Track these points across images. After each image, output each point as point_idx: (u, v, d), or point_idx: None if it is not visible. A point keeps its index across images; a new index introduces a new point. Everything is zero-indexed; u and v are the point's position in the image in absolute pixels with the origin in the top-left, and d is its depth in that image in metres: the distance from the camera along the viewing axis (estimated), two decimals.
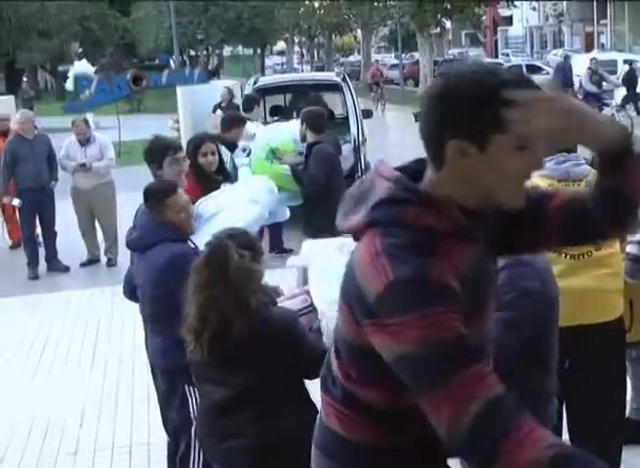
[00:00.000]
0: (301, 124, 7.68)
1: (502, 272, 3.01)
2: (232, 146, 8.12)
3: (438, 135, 1.95)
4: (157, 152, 5.00)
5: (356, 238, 2.09)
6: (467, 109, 1.91)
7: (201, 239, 4.04)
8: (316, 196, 6.82)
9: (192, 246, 4.36)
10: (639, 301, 4.46)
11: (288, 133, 8.23)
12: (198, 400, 4.04)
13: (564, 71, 26.44)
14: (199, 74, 16.83)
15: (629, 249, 4.42)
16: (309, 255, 3.90)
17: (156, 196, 4.36)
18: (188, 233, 4.42)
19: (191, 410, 4.25)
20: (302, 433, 3.02)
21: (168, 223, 4.34)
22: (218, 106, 15.25)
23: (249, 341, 3.31)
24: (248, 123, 9.38)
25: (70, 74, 20.35)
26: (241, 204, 5.19)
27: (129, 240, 4.55)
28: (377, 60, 45.64)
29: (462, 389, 1.79)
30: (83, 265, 10.89)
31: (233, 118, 8.88)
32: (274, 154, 7.62)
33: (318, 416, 2.40)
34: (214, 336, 3.34)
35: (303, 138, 7.72)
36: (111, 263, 10.79)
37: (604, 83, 22.63)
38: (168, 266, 4.20)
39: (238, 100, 13.85)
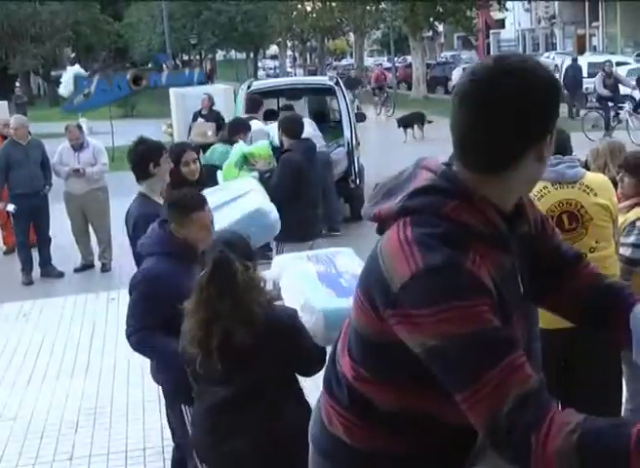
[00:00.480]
0: (278, 129, 7.70)
1: None
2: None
3: (514, 139, 1.87)
4: (155, 150, 5.18)
5: (381, 229, 2.01)
6: (550, 112, 1.90)
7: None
8: (283, 201, 6.84)
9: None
10: None
11: (264, 136, 8.32)
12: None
13: (574, 73, 26.18)
14: (199, 74, 16.84)
15: (622, 251, 4.43)
16: (280, 270, 3.88)
17: (184, 208, 4.10)
18: (198, 252, 4.14)
19: (188, 428, 4.24)
20: (302, 432, 3.07)
21: (180, 239, 4.10)
22: (198, 114, 15.25)
23: (253, 341, 3.30)
24: (256, 122, 9.54)
25: (63, 79, 20.32)
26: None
27: (139, 244, 4.42)
28: (379, 64, 44.69)
29: (498, 384, 1.73)
30: (77, 271, 10.86)
31: (238, 124, 8.96)
32: (246, 160, 7.59)
33: (315, 413, 2.35)
34: (220, 345, 3.32)
35: (281, 144, 7.78)
36: (105, 268, 10.78)
37: (620, 85, 21.95)
38: (146, 280, 4.11)
39: (229, 106, 13.83)
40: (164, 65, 38.49)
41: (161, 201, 5.03)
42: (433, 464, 2.13)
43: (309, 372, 3.54)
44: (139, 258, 4.49)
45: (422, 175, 1.98)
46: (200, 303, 3.34)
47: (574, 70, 26.55)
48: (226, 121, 13.41)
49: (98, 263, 10.94)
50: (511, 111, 1.84)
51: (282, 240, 6.90)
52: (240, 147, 7.75)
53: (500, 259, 1.95)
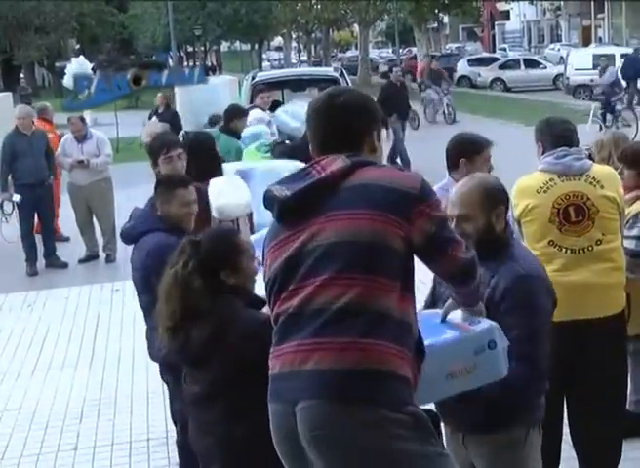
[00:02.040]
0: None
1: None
2: (237, 136, 8.44)
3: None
4: (154, 151, 5.23)
5: (335, 184, 2.68)
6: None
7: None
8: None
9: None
10: (636, 295, 4.45)
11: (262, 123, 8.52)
12: None
13: (634, 64, 25.53)
14: (199, 74, 16.77)
15: (626, 244, 4.42)
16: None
17: (167, 184, 4.46)
18: (186, 228, 4.38)
19: None
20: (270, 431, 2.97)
21: (166, 216, 4.39)
22: (154, 112, 15.19)
23: (214, 342, 3.29)
24: (257, 111, 9.68)
25: (68, 70, 20.27)
26: None
27: (122, 230, 4.62)
28: (431, 55, 37.73)
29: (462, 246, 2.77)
30: (82, 262, 10.87)
31: (231, 111, 8.95)
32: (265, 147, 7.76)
33: (298, 371, 2.57)
34: (182, 334, 3.34)
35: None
36: (110, 259, 10.77)
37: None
38: (153, 254, 4.20)
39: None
40: (168, 57, 38.37)
41: None
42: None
43: None
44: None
45: (330, 157, 2.73)
46: (169, 286, 3.43)
47: (635, 61, 25.82)
48: (182, 121, 13.45)
49: (102, 254, 10.94)
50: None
51: None
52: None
53: None
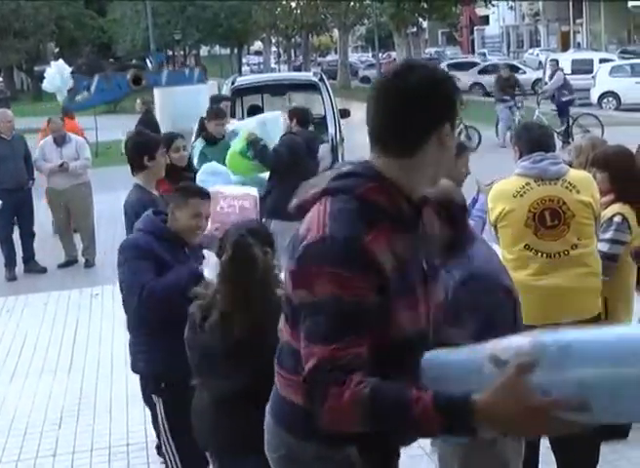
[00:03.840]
0: (290, 119, 8.22)
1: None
2: (212, 141, 8.28)
3: (421, 125, 2.18)
4: (151, 143, 5.23)
5: (303, 212, 2.26)
6: (452, 102, 2.22)
7: None
8: (277, 170, 7.57)
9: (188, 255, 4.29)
10: (613, 299, 4.50)
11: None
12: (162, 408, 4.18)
13: None
14: (199, 74, 16.76)
15: (600, 247, 4.47)
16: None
17: (185, 192, 4.32)
18: (188, 241, 4.28)
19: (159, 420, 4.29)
20: None
21: (173, 224, 4.24)
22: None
23: (252, 335, 3.27)
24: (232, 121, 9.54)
25: (47, 74, 20.20)
26: None
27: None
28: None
29: (334, 352, 2.05)
30: (61, 266, 10.84)
31: (209, 111, 8.83)
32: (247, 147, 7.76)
33: (274, 389, 2.48)
34: (227, 324, 3.32)
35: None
36: (89, 264, 10.76)
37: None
38: (121, 249, 4.27)
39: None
40: (147, 60, 38.27)
41: (156, 192, 5.17)
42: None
43: None
44: None
45: (344, 167, 2.32)
46: (224, 283, 3.38)
47: None
48: (160, 125, 13.42)
49: (81, 259, 10.91)
50: (413, 102, 2.16)
51: (270, 216, 7.35)
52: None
53: (405, 239, 2.21)
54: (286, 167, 7.52)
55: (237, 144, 7.78)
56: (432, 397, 1.97)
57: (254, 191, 6.54)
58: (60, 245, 11.02)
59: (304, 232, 2.17)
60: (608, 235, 4.57)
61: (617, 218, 4.61)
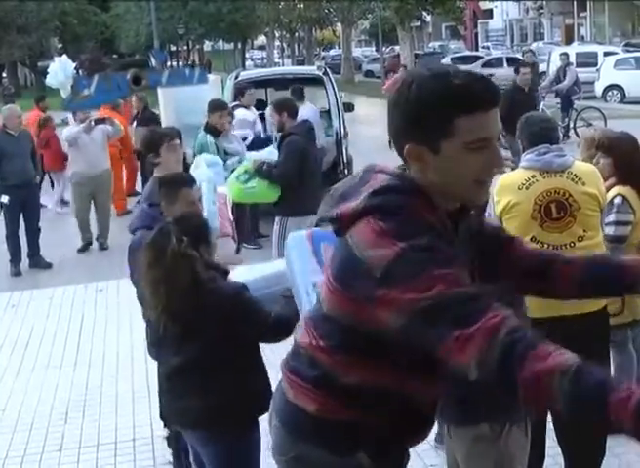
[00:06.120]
0: (278, 112, 7.66)
1: None
2: (215, 132, 8.79)
3: (438, 116, 2.08)
4: (155, 140, 5.24)
5: (340, 230, 2.16)
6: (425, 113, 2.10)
7: None
8: (288, 182, 7.29)
9: None
10: None
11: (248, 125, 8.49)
12: None
13: None
14: (199, 74, 16.69)
15: (606, 231, 4.50)
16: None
17: (172, 185, 4.41)
18: None
19: None
20: (249, 401, 3.49)
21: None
22: (134, 118, 15.15)
23: (195, 314, 3.46)
24: (241, 110, 10.08)
25: (50, 70, 20.17)
26: None
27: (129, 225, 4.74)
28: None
29: (484, 325, 1.90)
30: (80, 251, 11.34)
31: (210, 104, 9.07)
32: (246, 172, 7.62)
33: (277, 385, 2.48)
34: (164, 310, 3.48)
35: (281, 128, 7.71)
36: (104, 247, 11.36)
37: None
38: (130, 250, 4.34)
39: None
40: (150, 55, 38.26)
41: None
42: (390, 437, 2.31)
43: (266, 341, 3.70)
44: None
45: (379, 177, 2.17)
46: (145, 267, 3.54)
47: None
48: (163, 121, 13.56)
49: (95, 243, 11.52)
50: (425, 99, 2.08)
51: (286, 214, 7.25)
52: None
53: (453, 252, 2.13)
54: (295, 176, 7.30)
55: (236, 171, 7.73)
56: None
57: (224, 190, 6.50)
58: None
59: (368, 254, 2.04)
60: (611, 218, 4.60)
61: (617, 199, 4.64)
